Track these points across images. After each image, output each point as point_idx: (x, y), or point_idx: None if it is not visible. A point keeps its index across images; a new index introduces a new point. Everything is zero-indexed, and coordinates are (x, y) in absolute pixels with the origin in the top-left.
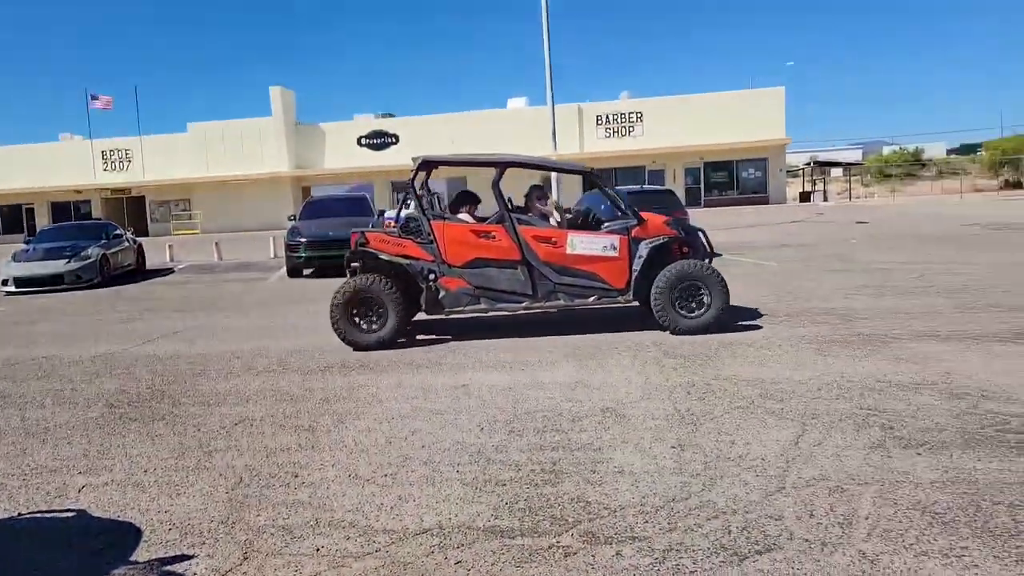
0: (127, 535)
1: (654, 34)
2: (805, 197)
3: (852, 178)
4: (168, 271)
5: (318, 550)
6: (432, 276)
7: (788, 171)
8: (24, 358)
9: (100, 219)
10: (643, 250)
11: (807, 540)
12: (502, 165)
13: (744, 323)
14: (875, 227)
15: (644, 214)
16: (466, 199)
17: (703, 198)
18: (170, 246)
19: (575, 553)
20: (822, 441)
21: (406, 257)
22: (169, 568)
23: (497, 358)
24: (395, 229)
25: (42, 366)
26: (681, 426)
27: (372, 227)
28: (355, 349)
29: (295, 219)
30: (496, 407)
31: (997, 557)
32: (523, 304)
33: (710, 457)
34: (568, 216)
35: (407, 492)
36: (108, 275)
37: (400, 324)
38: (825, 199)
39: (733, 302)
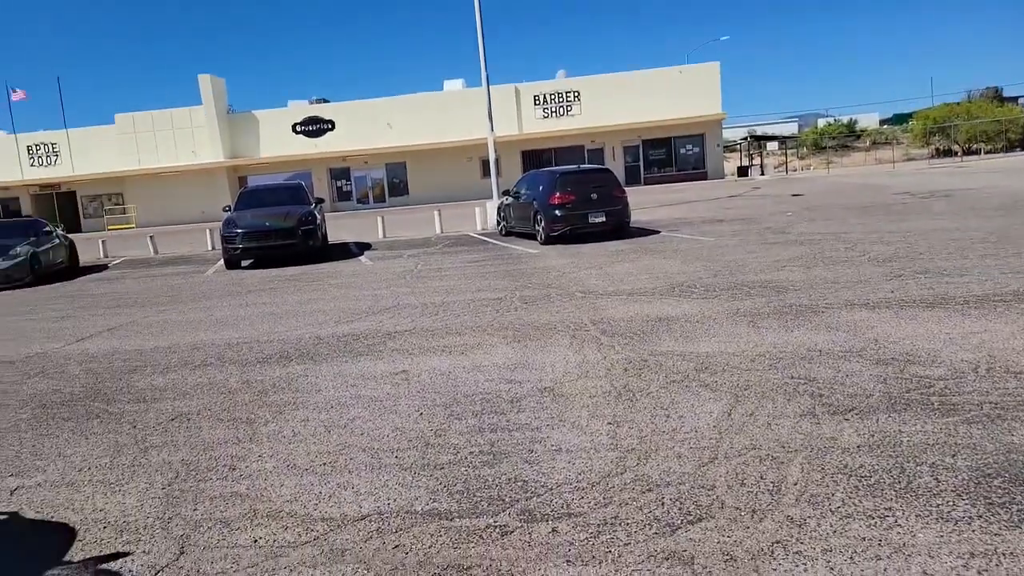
0: (61, 535)
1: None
2: (743, 172)
3: (788, 151)
4: (102, 267)
5: (256, 541)
6: None
7: (725, 146)
8: None
9: (29, 216)
10: None
11: (737, 508)
12: None
13: (678, 298)
14: (810, 199)
15: None
16: None
17: (643, 176)
18: (103, 242)
19: (512, 532)
20: (754, 412)
21: None
22: (104, 567)
23: (437, 343)
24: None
25: None
26: (618, 403)
27: (309, 215)
28: None
29: (230, 210)
30: (435, 392)
31: (919, 516)
32: None
33: (645, 432)
34: None
35: (346, 480)
36: (39, 274)
37: None
38: (762, 173)
39: (669, 279)
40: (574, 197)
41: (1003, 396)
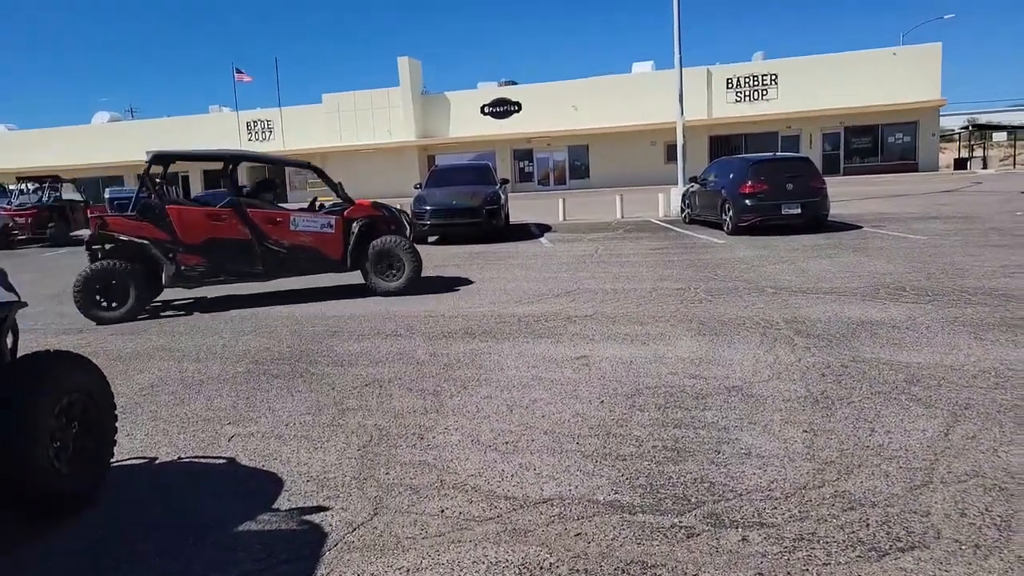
0: (271, 484)
1: None
2: (960, 164)
3: (1018, 143)
4: None
5: (443, 511)
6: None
7: (942, 135)
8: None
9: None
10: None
11: (957, 540)
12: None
13: (884, 301)
14: None
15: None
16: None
17: (842, 165)
18: None
19: (699, 535)
20: (976, 435)
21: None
22: (307, 518)
23: (618, 330)
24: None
25: (195, 323)
26: (815, 410)
27: (494, 195)
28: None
29: (421, 187)
30: (616, 380)
31: None
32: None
33: (847, 445)
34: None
35: (528, 460)
36: None
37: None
38: (985, 166)
39: (874, 280)
40: (767, 186)
41: None
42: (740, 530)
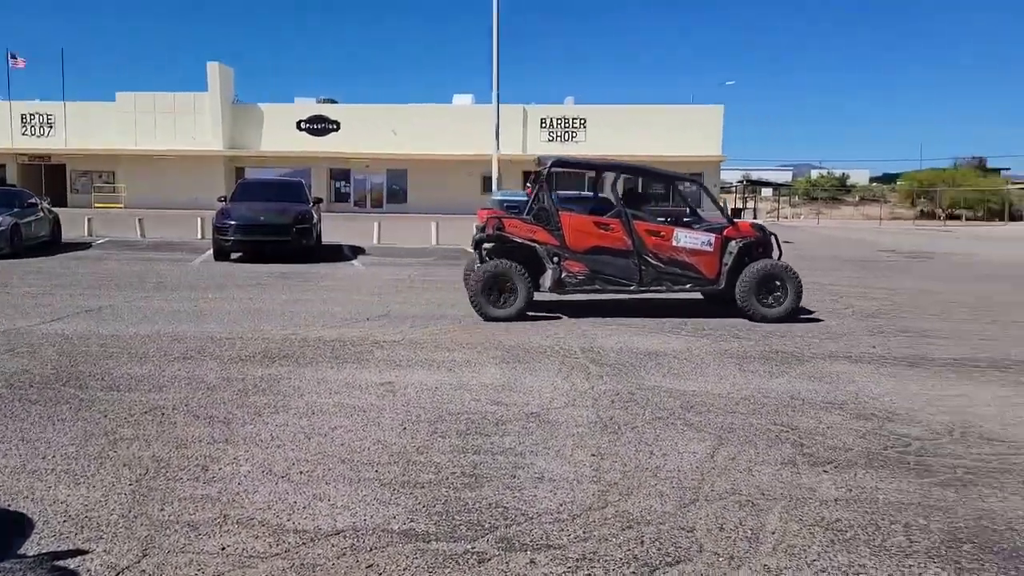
0: (18, 527)
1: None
2: (736, 214)
3: (781, 198)
4: (86, 245)
5: (223, 549)
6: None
7: (722, 187)
8: None
9: (13, 186)
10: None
11: (716, 553)
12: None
13: (668, 334)
14: (801, 248)
15: (737, 220)
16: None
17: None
18: (90, 219)
19: (489, 560)
20: (736, 456)
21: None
22: (61, 563)
23: (425, 357)
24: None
25: None
26: (603, 435)
27: (306, 213)
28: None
29: (226, 200)
30: (420, 407)
31: (891, 575)
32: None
33: (629, 467)
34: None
35: (322, 491)
36: (19, 246)
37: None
38: (755, 217)
39: (658, 316)
40: None
41: (976, 461)
42: (529, 553)
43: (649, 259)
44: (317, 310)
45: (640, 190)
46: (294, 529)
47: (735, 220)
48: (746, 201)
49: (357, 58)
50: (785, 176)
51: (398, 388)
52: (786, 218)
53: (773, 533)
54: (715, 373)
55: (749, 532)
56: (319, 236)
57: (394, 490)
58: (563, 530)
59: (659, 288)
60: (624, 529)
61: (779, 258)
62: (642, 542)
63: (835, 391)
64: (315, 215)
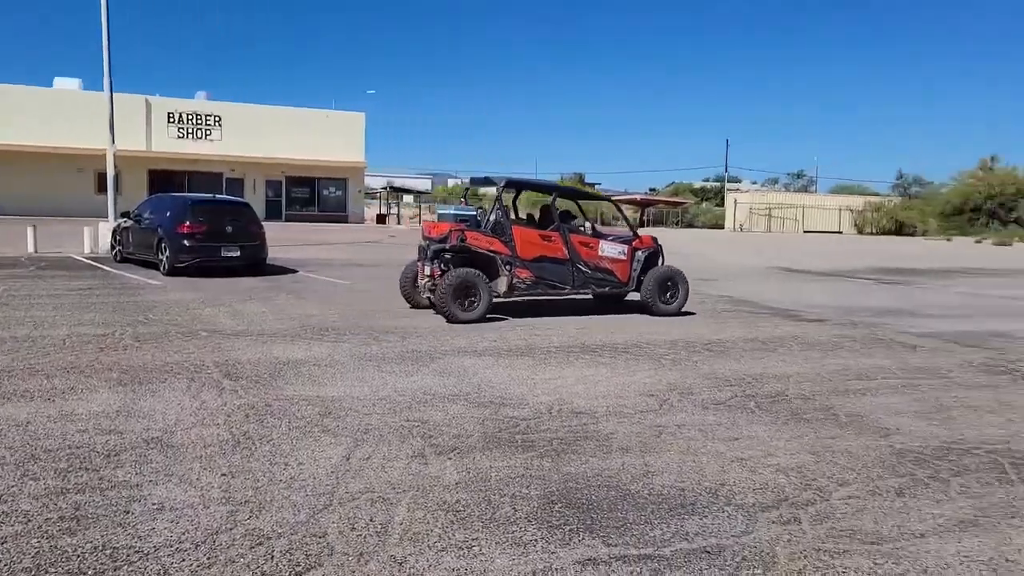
0: None
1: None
2: (381, 219)
3: (422, 204)
4: None
5: None
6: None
7: (367, 193)
8: None
9: None
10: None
11: (346, 554)
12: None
13: (309, 341)
14: None
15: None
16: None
17: (284, 212)
18: None
19: None
20: (371, 455)
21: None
22: None
23: (14, 387)
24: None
25: None
26: (235, 453)
27: None
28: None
29: None
30: (6, 448)
31: (498, 543)
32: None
33: (261, 482)
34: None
35: None
36: None
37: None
38: (399, 222)
39: (302, 321)
40: (206, 227)
41: (567, 432)
42: None
43: (580, 266)
44: None
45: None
46: None
47: (638, 234)
48: (390, 207)
49: None
50: (426, 184)
51: None
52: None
53: (401, 524)
54: (355, 377)
55: (379, 527)
56: None
57: None
58: (184, 560)
59: (585, 291)
60: (253, 547)
61: (662, 264)
62: (272, 556)
63: (461, 383)
64: None
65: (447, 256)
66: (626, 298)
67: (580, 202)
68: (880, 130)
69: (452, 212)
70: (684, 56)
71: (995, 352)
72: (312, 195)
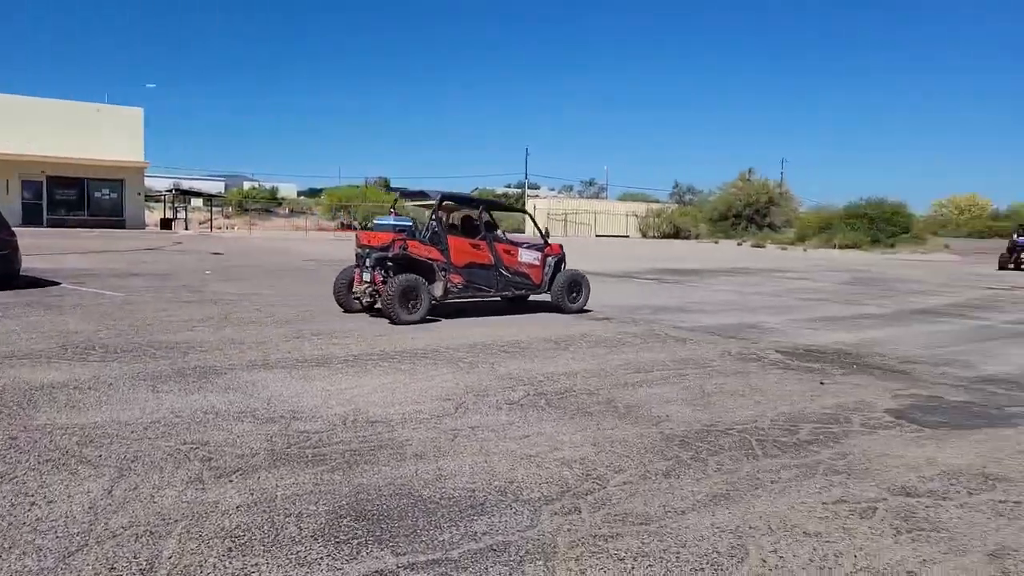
0: None
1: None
2: (166, 224)
3: (214, 209)
4: None
5: None
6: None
7: (149, 196)
8: None
9: None
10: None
11: None
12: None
13: (70, 362)
14: (230, 259)
15: (550, 242)
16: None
17: (46, 217)
18: None
19: None
20: (138, 485)
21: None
22: None
23: None
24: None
25: None
26: None
27: None
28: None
29: None
30: None
31: (281, 566)
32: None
33: (1, 527)
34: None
35: None
36: None
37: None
38: (187, 228)
39: (63, 339)
40: None
41: (361, 443)
42: None
43: (503, 271)
44: None
45: (476, 220)
46: None
47: (549, 242)
48: (176, 211)
49: None
50: (218, 187)
51: None
52: (220, 228)
53: (170, 558)
54: (124, 398)
55: (144, 564)
56: None
57: None
58: None
59: (506, 293)
60: None
61: (565, 268)
62: None
63: (249, 399)
64: None
65: (389, 264)
66: (530, 298)
67: (493, 213)
68: (659, 142)
69: (391, 223)
70: (487, 69)
71: (748, 342)
72: (81, 197)
